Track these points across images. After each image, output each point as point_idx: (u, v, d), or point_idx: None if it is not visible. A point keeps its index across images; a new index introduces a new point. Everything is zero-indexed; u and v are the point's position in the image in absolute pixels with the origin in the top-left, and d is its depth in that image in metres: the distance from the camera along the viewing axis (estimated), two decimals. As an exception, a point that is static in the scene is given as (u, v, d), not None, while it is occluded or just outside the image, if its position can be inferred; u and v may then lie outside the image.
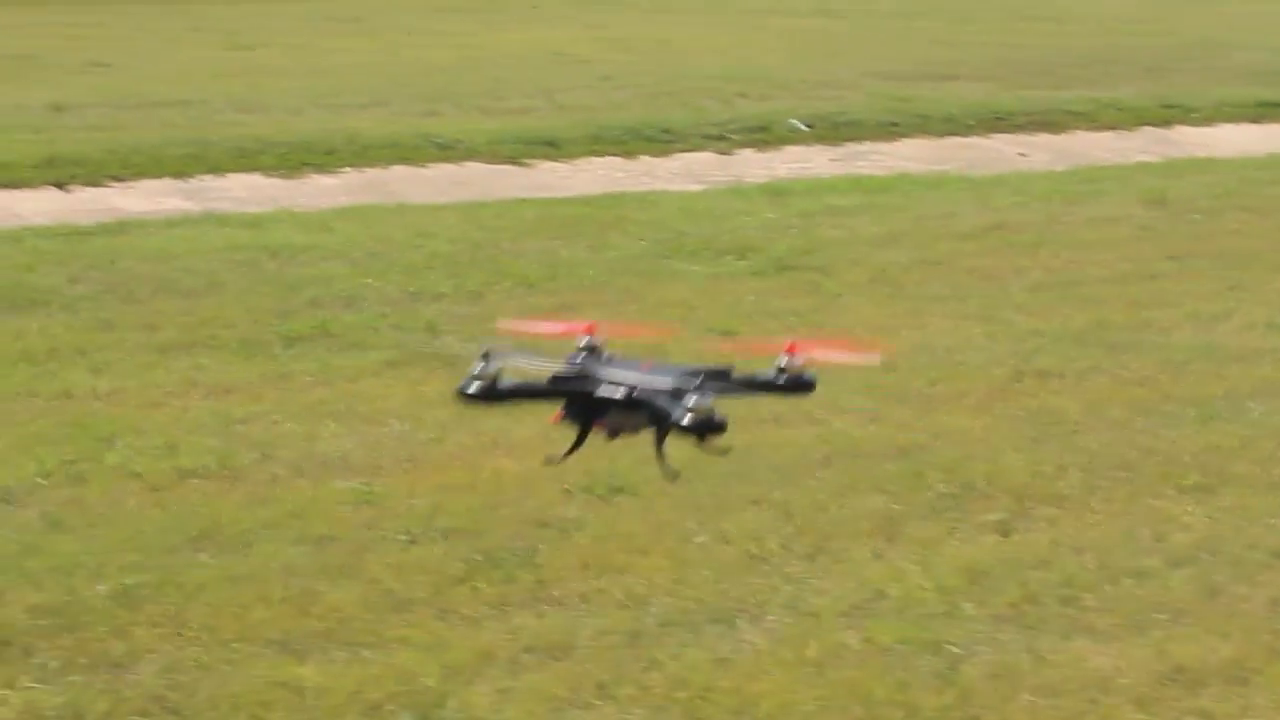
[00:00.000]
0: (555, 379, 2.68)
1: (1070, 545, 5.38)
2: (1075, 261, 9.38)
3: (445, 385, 6.89)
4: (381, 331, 7.72)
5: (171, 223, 10.20)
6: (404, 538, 5.37)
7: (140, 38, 22.61)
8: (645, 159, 13.27)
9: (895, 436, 6.35)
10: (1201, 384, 7.08)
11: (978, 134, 14.78)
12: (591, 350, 2.76)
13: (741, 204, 11.05)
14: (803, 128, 14.46)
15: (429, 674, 4.50)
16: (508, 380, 2.67)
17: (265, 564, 5.15)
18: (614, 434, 2.70)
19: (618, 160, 13.17)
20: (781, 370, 2.72)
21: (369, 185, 12.00)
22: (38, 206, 10.92)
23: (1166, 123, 15.56)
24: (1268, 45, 22.43)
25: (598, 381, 2.64)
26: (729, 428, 2.53)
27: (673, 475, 2.76)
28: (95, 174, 11.78)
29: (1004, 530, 5.51)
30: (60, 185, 11.55)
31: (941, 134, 14.67)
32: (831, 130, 14.49)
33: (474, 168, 12.71)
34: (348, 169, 12.42)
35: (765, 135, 14.16)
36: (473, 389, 2.66)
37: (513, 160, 12.97)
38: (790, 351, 2.71)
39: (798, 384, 2.72)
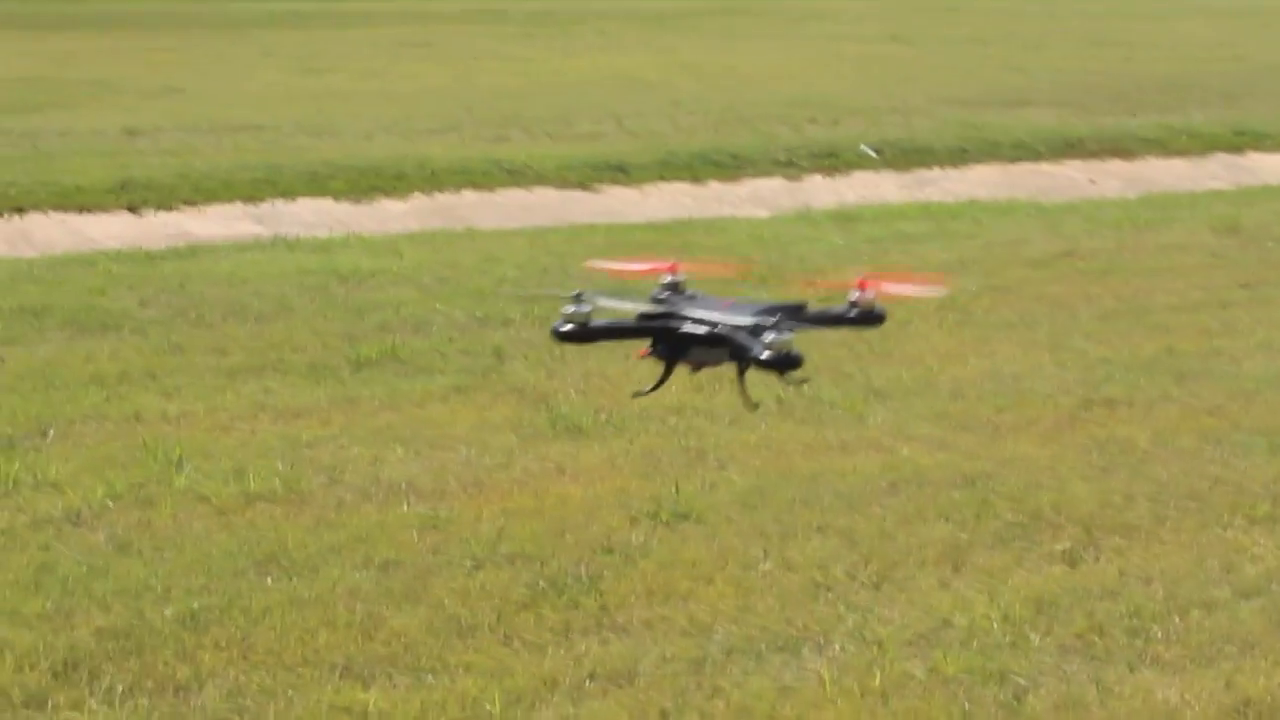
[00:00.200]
0: (643, 317, 2.79)
1: (1138, 576, 5.34)
2: (1145, 289, 9.32)
3: (512, 411, 6.93)
4: (449, 356, 7.74)
5: (242, 247, 10.28)
6: (469, 563, 5.38)
7: (214, 63, 22.82)
8: (714, 185, 13.29)
9: (962, 465, 6.32)
10: (1272, 413, 7.01)
11: (1048, 160, 14.72)
12: (674, 288, 2.86)
13: (810, 230, 11.05)
14: (872, 154, 14.43)
15: (492, 700, 4.50)
16: (599, 320, 2.78)
17: (330, 588, 5.17)
18: (697, 368, 2.81)
19: (686, 186, 13.19)
20: (853, 304, 2.83)
21: (438, 210, 12.06)
22: (110, 230, 11.03)
23: (1239, 149, 15.46)
24: (1343, 71, 22.23)
25: (683, 319, 2.75)
26: (805, 362, 2.62)
27: (753, 406, 2.90)
28: (167, 198, 11.90)
29: (1071, 560, 5.47)
30: (133, 209, 11.67)
31: (1012, 160, 14.63)
32: (901, 156, 14.47)
33: (543, 193, 12.76)
34: (417, 194, 12.49)
35: (834, 161, 14.15)
36: (566, 328, 2.77)
37: (581, 185, 13.02)
38: (861, 287, 2.81)
39: (869, 316, 2.83)
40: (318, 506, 5.87)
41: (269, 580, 5.24)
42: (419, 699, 4.52)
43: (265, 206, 11.92)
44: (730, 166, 13.74)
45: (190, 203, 11.88)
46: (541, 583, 5.22)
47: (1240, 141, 15.72)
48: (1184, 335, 8.28)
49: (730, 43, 27.10)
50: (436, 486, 6.08)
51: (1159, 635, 4.93)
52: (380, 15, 34.23)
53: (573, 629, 4.94)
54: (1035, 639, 4.89)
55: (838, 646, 4.84)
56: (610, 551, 5.49)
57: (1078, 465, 6.36)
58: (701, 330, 2.73)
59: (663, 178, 13.35)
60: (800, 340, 2.66)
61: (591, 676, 4.66)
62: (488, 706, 4.47)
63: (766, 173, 13.71)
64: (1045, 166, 14.53)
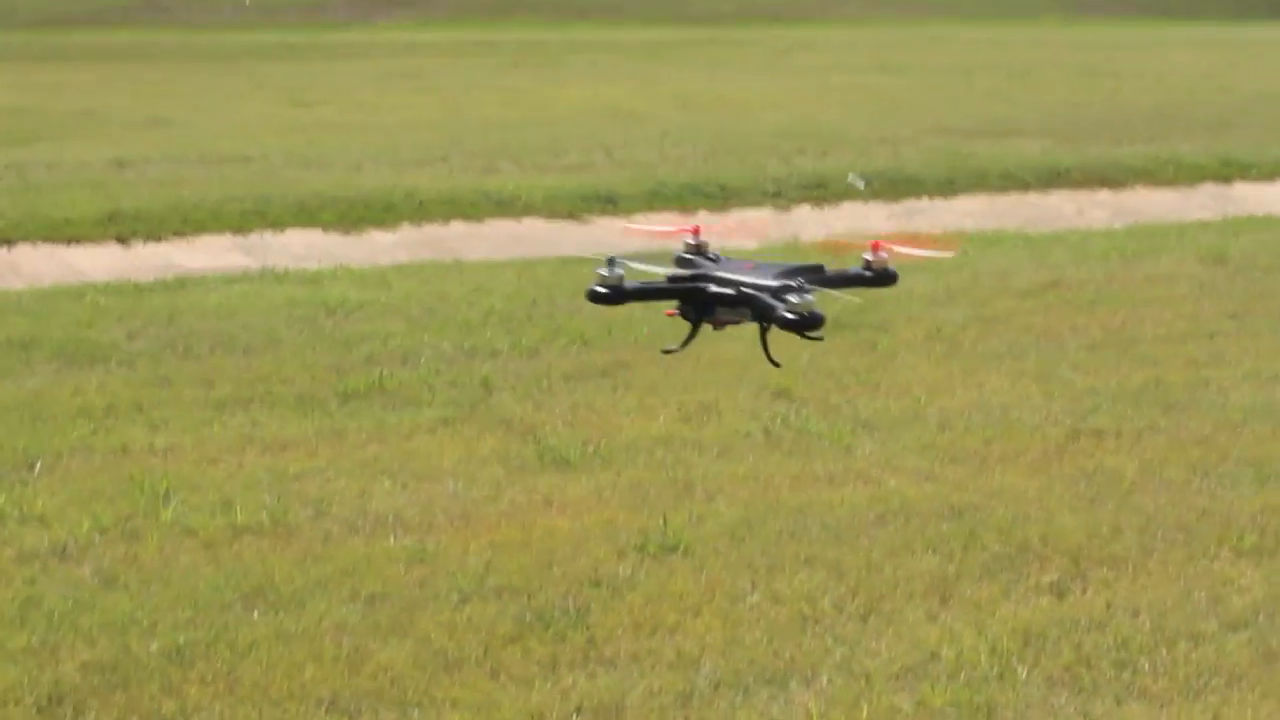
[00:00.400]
0: (673, 279, 2.96)
1: (1125, 607, 5.34)
2: (1133, 320, 9.33)
3: (499, 443, 6.93)
4: (436, 388, 7.74)
5: (230, 279, 10.28)
6: (456, 596, 5.37)
7: (204, 94, 22.84)
8: (703, 215, 13.30)
9: (950, 496, 6.32)
10: (1260, 444, 7.02)
11: (1036, 191, 14.75)
12: (698, 250, 3.05)
13: (798, 260, 11.05)
14: (860, 184, 14.46)
15: (479, 734, 4.49)
16: (631, 282, 2.93)
17: (317, 622, 5.16)
18: (720, 326, 2.97)
19: (675, 216, 13.19)
20: (868, 265, 2.97)
21: (427, 242, 12.07)
22: (99, 262, 11.03)
23: (1226, 180, 15.50)
24: (1329, 101, 22.31)
25: (710, 280, 2.92)
26: (825, 323, 2.78)
27: (776, 364, 3.06)
28: (156, 229, 11.89)
29: (1059, 592, 5.47)
30: (121, 241, 11.67)
31: (999, 191, 14.66)
32: (889, 187, 14.50)
33: (532, 224, 12.78)
34: (406, 225, 12.50)
35: (823, 192, 14.18)
36: (602, 290, 2.92)
37: (571, 216, 13.03)
38: (875, 249, 2.96)
39: (883, 276, 2.97)
40: (304, 539, 5.87)
41: (255, 614, 5.23)
42: (405, 733, 4.50)
43: (254, 238, 11.92)
44: (719, 197, 13.76)
45: (179, 234, 11.88)
46: (528, 616, 5.21)
47: (1227, 172, 15.76)
48: (1171, 366, 8.29)
49: (719, 74, 27.16)
50: (423, 519, 6.07)
51: (1146, 668, 4.93)
52: (370, 47, 34.29)
53: (560, 662, 4.94)
54: (1023, 671, 4.89)
55: (825, 679, 4.84)
56: (597, 584, 5.48)
57: (1065, 496, 6.36)
58: (728, 291, 2.88)
59: (651, 208, 13.36)
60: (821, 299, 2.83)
61: (579, 710, 4.66)
62: (474, 741, 4.46)
63: (755, 203, 13.73)
64: (1032, 197, 14.56)
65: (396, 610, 5.27)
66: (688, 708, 4.68)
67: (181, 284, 10.12)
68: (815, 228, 12.85)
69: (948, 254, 3.11)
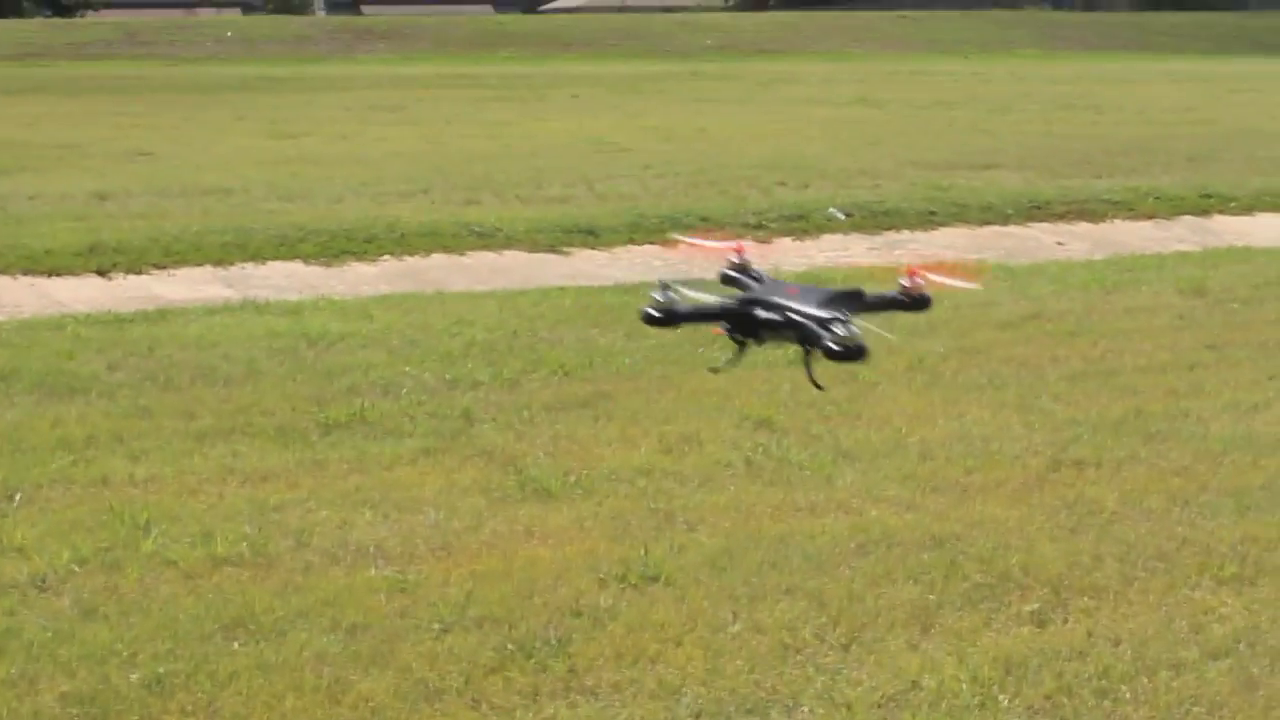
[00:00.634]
0: (722, 303, 3.08)
1: (1106, 636, 5.34)
2: (1113, 350, 9.36)
3: (480, 473, 6.92)
4: (418, 419, 7.74)
5: (211, 310, 10.27)
6: (437, 626, 5.36)
7: (185, 126, 22.85)
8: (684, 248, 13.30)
9: (931, 526, 6.33)
10: (1239, 474, 7.04)
11: (1016, 223, 14.80)
12: (743, 269, 3.18)
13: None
14: (841, 216, 14.50)
15: (459, 764, 4.47)
16: (683, 305, 3.05)
17: (298, 653, 5.15)
18: (763, 342, 3.08)
19: (656, 249, 13.21)
20: (904, 289, 3.09)
21: (408, 273, 12.07)
22: (79, 294, 11.01)
23: (1205, 212, 15.57)
24: (1308, 134, 22.42)
25: (758, 304, 3.03)
26: (868, 355, 2.90)
27: (820, 386, 3.13)
28: (137, 261, 11.88)
29: (1040, 621, 5.48)
30: (102, 273, 11.66)
31: (980, 223, 14.70)
32: (870, 219, 14.53)
33: (513, 256, 12.78)
34: (387, 257, 12.50)
35: (804, 224, 14.21)
36: (655, 313, 3.04)
37: (552, 248, 13.04)
38: (911, 274, 3.08)
39: (918, 301, 3.09)
40: (285, 570, 5.85)
41: (236, 644, 5.22)
42: (386, 764, 4.49)
43: (235, 270, 11.92)
44: (700, 229, 13.78)
45: (159, 266, 11.87)
46: (510, 646, 5.20)
47: (1206, 204, 15.83)
48: (1151, 396, 8.31)
49: (700, 106, 27.23)
50: (404, 549, 6.07)
51: (1127, 696, 4.93)
52: (352, 79, 34.33)
53: (541, 692, 4.93)
54: (1004, 700, 4.89)
55: (806, 709, 4.84)
56: (579, 614, 5.48)
57: (1046, 526, 6.37)
58: (775, 317, 3.00)
59: (633, 240, 13.38)
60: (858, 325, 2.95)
61: (559, 740, 4.65)
62: (455, 771, 4.45)
63: (736, 235, 13.73)
64: (1013, 229, 14.60)
65: (377, 640, 5.26)
66: (669, 737, 4.67)
67: (162, 315, 10.11)
68: (796, 258, 12.86)
69: (973, 286, 3.14)
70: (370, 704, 4.83)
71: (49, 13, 63.73)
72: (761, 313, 3.01)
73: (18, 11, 60.87)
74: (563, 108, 27.23)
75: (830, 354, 2.90)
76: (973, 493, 6.77)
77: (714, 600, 5.59)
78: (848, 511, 6.50)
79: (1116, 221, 15.05)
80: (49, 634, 5.24)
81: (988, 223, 14.71)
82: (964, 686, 4.96)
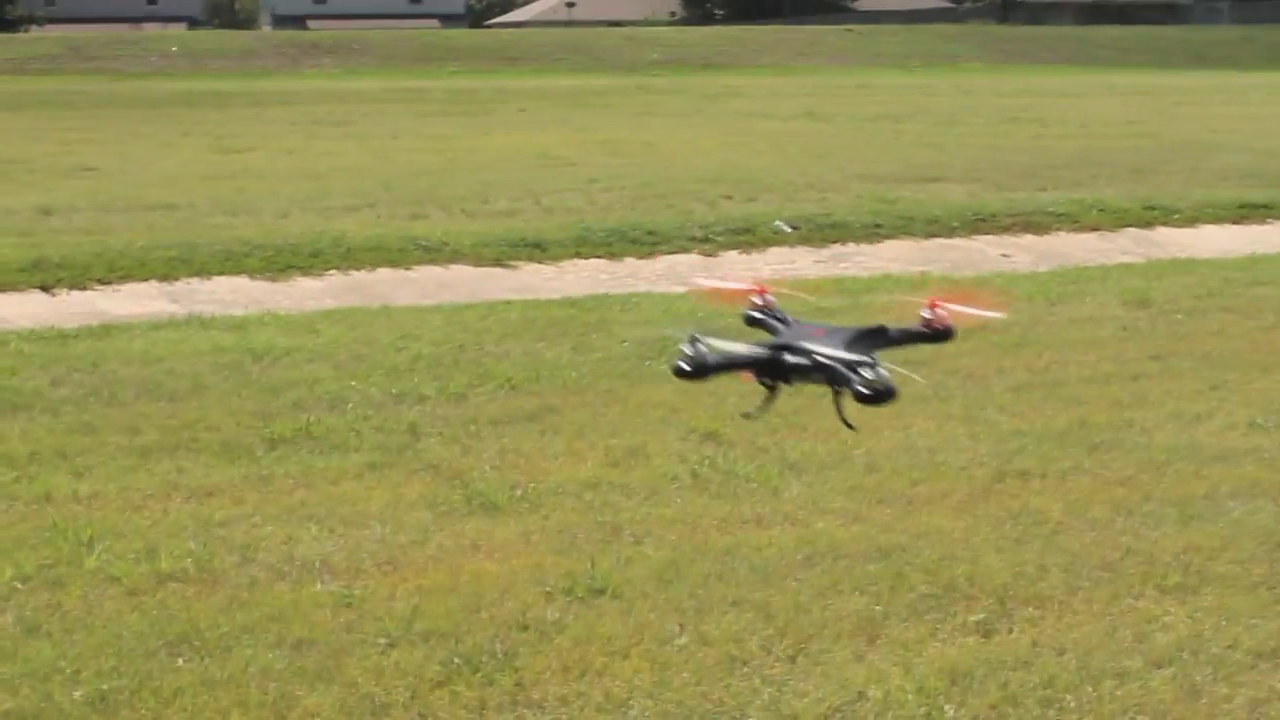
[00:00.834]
0: (751, 351, 3.07)
1: (1051, 646, 5.36)
2: (1058, 361, 9.41)
3: (427, 488, 6.91)
4: (364, 434, 7.71)
5: (156, 325, 10.23)
6: (383, 641, 5.34)
7: (131, 142, 22.75)
8: (630, 261, 13.34)
9: (877, 537, 6.34)
10: (1183, 484, 7.08)
11: (961, 235, 14.87)
12: (766, 309, 3.20)
13: (725, 306, 11.07)
14: (787, 229, 14.54)
15: (406, 779, 4.46)
16: (713, 356, 3.04)
17: (243, 669, 5.12)
18: (792, 384, 3.09)
19: (602, 263, 13.23)
20: (927, 322, 3.09)
21: (354, 287, 12.04)
22: (23, 310, 10.95)
23: (1149, 224, 15.68)
24: (1249, 147, 22.63)
25: (786, 349, 3.04)
26: (898, 396, 2.90)
27: (851, 426, 3.14)
28: (81, 277, 11.82)
29: (985, 631, 5.49)
30: (46, 289, 11.59)
31: (925, 235, 14.76)
32: (816, 232, 14.58)
33: (459, 270, 12.77)
34: (333, 271, 12.47)
35: (750, 237, 14.24)
36: (687, 367, 3.04)
37: (498, 262, 13.03)
38: (932, 306, 3.08)
39: (942, 333, 3.09)
40: (230, 586, 5.82)
41: (180, 661, 5.19)
42: (332, 779, 4.47)
43: (180, 285, 11.87)
44: (646, 243, 13.80)
45: (104, 282, 11.82)
46: (456, 660, 5.19)
47: (1150, 216, 15.94)
48: (1096, 407, 8.35)
49: (647, 120, 27.26)
50: (350, 564, 6.04)
51: (1072, 705, 4.95)
52: (298, 94, 34.23)
53: (488, 706, 4.92)
54: (950, 710, 4.90)
55: (753, 720, 4.84)
56: (525, 628, 5.47)
57: (991, 537, 6.39)
58: (804, 361, 3.02)
59: (579, 254, 13.39)
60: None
61: (506, 754, 4.64)
62: (401, 786, 4.43)
63: (683, 249, 13.77)
64: (958, 241, 14.67)
65: (323, 656, 5.24)
66: (616, 750, 4.67)
67: (107, 331, 10.06)
68: (742, 273, 12.89)
69: (998, 315, 3.15)
70: (316, 719, 4.81)
71: (-8, 28, 63.41)
72: (790, 358, 3.03)
73: (-39, 27, 60.53)
74: (509, 122, 27.22)
75: (861, 397, 2.92)
76: (919, 504, 6.79)
77: (661, 613, 5.59)
78: (794, 523, 6.51)
79: (1061, 233, 15.14)
80: (-9, 652, 5.20)
81: (933, 235, 14.78)
82: (910, 697, 4.97)
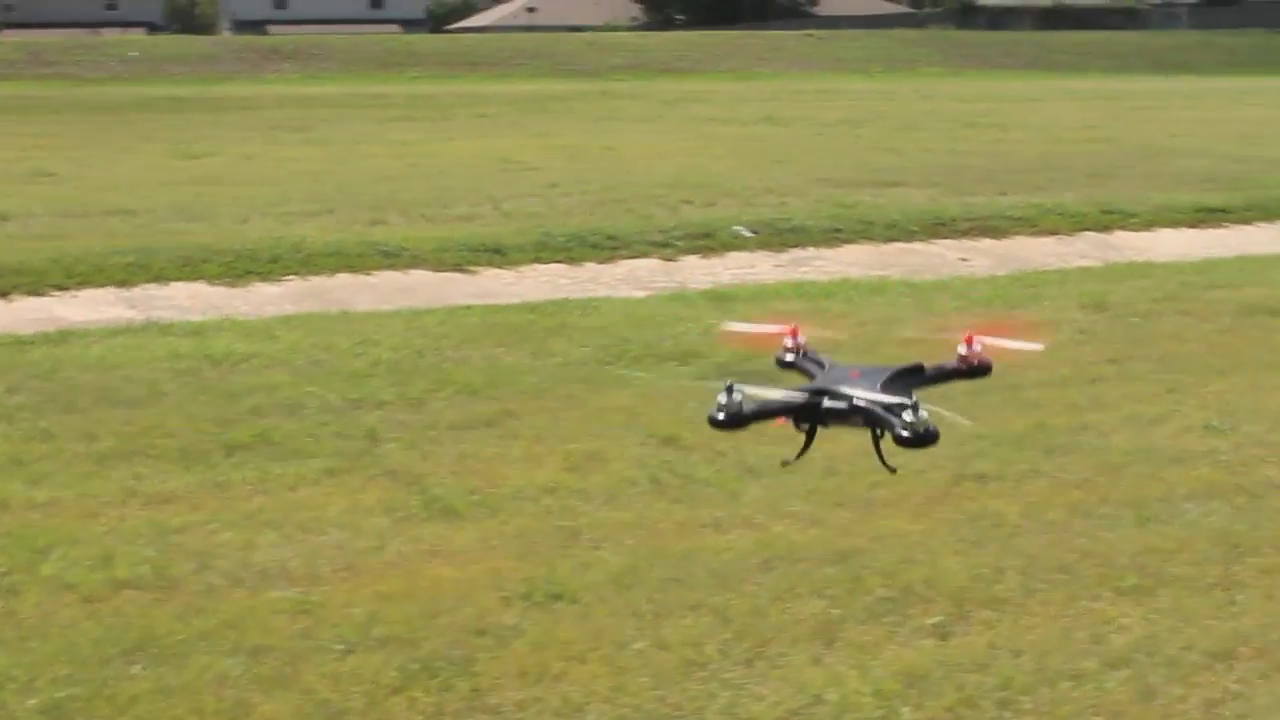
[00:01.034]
0: (787, 398, 3.02)
1: (1008, 648, 5.38)
2: (1015, 365, 9.42)
3: (385, 493, 6.89)
4: (322, 439, 7.69)
5: (113, 332, 10.18)
6: (341, 647, 5.33)
7: (89, 147, 22.66)
8: (590, 266, 13.34)
9: (835, 541, 6.35)
10: (1139, 486, 7.11)
11: (920, 240, 14.91)
12: (800, 352, 3.17)
13: (685, 310, 11.10)
14: (747, 234, 14.56)
15: (362, 785, 4.45)
16: (749, 404, 2.99)
17: (199, 675, 5.10)
18: (829, 426, 3.06)
19: (562, 267, 13.24)
20: (963, 359, 3.09)
21: (313, 293, 12.02)
22: (-21, 316, 10.89)
23: (1106, 228, 15.75)
24: (1206, 152, 22.76)
25: (823, 393, 2.99)
26: (939, 438, 2.89)
27: (892, 469, 3.11)
28: (38, 283, 11.77)
29: (942, 633, 5.51)
30: (3, 294, 11.54)
31: (885, 240, 14.81)
32: (776, 236, 14.61)
33: (419, 275, 12.76)
34: (292, 277, 12.44)
35: (709, 242, 14.26)
36: (722, 416, 3.00)
37: (458, 267, 13.03)
38: (968, 342, 3.07)
39: (979, 369, 3.10)
40: (187, 593, 5.80)
41: (136, 668, 5.16)
42: (288, 786, 4.46)
43: (138, 291, 11.82)
44: (606, 248, 13.81)
45: (61, 288, 11.77)
46: (414, 666, 5.18)
47: (1108, 220, 16.01)
48: (1053, 410, 8.38)
49: (607, 125, 27.28)
50: (308, 570, 6.03)
51: (1029, 707, 4.97)
52: (258, 99, 34.15)
53: (445, 712, 4.91)
54: (906, 713, 4.91)
55: (710, 724, 4.84)
56: (483, 633, 5.46)
57: (949, 540, 6.41)
58: (841, 405, 2.98)
59: (539, 259, 13.39)
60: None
61: (463, 759, 4.63)
62: (358, 792, 4.43)
63: (642, 253, 13.78)
64: (917, 245, 14.71)
65: (280, 662, 5.22)
66: (573, 755, 4.67)
67: (64, 337, 10.01)
68: (702, 276, 12.91)
69: (1036, 346, 3.12)
70: (272, 726, 4.80)
71: (-50, 33, 63.11)
72: (828, 403, 2.99)
73: (-82, 32, 60.23)
74: (470, 127, 27.21)
75: (902, 441, 2.89)
76: (876, 507, 6.81)
77: (618, 617, 5.59)
78: (752, 527, 6.52)
79: (1019, 238, 15.20)
80: (-55, 660, 5.17)
81: (892, 239, 14.82)
82: (867, 700, 4.98)
